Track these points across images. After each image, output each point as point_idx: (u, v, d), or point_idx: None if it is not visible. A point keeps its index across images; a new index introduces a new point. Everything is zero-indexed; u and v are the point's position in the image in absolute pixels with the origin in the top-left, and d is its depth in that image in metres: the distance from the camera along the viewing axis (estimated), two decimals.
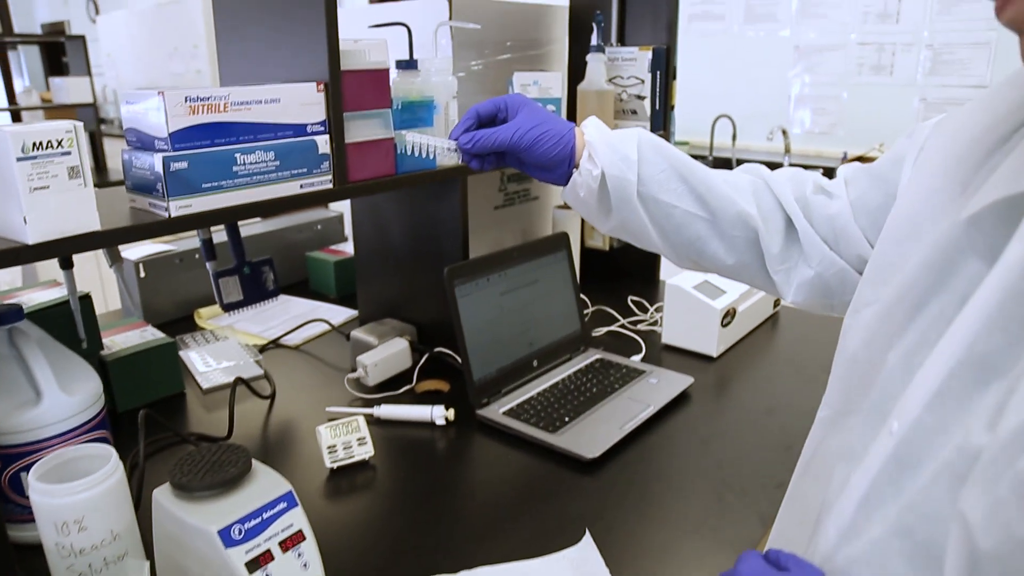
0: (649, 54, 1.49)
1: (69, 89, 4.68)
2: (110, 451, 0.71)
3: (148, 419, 0.92)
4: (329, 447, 0.94)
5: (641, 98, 1.52)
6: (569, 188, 0.80)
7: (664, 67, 1.53)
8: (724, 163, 3.28)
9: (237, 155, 0.83)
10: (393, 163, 0.99)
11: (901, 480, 0.41)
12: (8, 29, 7.34)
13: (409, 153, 0.89)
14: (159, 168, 0.75)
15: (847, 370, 0.55)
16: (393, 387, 1.16)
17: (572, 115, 1.61)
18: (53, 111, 4.96)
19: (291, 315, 1.48)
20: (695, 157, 3.37)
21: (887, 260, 0.53)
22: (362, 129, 0.95)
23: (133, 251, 1.43)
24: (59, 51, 5.53)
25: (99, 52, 5.95)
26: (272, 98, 0.86)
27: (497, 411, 1.04)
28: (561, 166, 0.79)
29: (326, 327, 1.39)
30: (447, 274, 1.03)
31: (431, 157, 0.88)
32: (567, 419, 1.02)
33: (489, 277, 1.09)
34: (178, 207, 0.77)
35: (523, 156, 0.80)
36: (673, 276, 1.31)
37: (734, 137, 3.17)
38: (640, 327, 1.40)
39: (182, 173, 0.76)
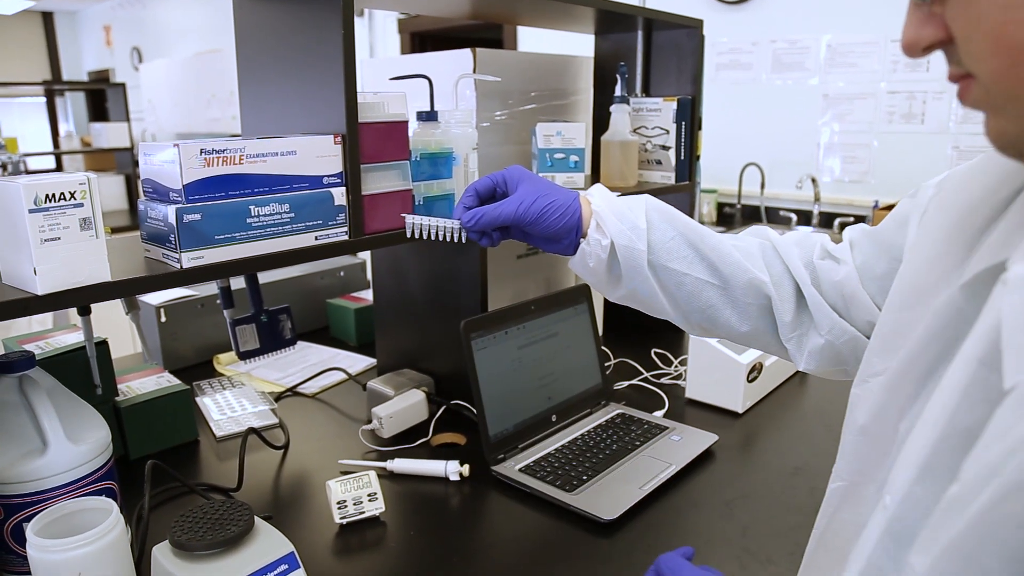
0: (674, 104, 1.49)
1: (108, 134, 4.84)
2: (111, 505, 0.70)
3: (155, 469, 0.91)
4: (339, 502, 0.92)
5: (666, 148, 1.52)
6: (577, 258, 0.79)
7: (689, 117, 1.52)
8: (753, 211, 3.25)
9: (251, 207, 0.83)
10: (411, 211, 0.99)
11: (898, 556, 0.40)
12: (57, 76, 7.69)
13: (410, 236, 0.88)
14: (172, 219, 0.75)
15: (858, 442, 0.54)
16: (409, 440, 1.14)
17: (596, 166, 1.61)
18: (92, 155, 5.13)
19: (309, 363, 1.48)
20: (723, 205, 3.37)
21: (893, 328, 0.52)
22: (379, 181, 0.95)
23: (154, 296, 1.44)
24: (102, 98, 5.75)
25: (141, 98, 6.17)
26: (288, 150, 0.86)
27: (513, 468, 1.01)
28: (568, 236, 0.78)
29: (343, 376, 1.38)
30: (464, 327, 1.01)
31: (436, 238, 0.86)
32: (585, 477, 0.99)
33: (507, 330, 1.07)
34: (190, 259, 0.77)
35: (528, 229, 0.79)
36: None
37: (763, 185, 3.15)
38: (664, 381, 1.37)
39: (195, 225, 0.76)
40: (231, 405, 1.26)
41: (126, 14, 6.94)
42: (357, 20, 4.58)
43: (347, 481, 0.94)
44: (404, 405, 1.14)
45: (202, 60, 5.49)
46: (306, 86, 0.94)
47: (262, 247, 0.85)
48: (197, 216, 0.76)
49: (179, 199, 0.76)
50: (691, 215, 1.60)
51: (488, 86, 1.51)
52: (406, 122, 0.97)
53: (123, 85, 5.13)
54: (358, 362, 1.47)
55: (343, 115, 0.90)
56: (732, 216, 3.31)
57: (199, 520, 0.71)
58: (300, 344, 1.57)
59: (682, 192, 1.56)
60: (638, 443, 1.09)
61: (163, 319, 1.42)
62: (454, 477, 1.01)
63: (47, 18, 7.65)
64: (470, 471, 1.03)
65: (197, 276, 0.78)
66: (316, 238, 0.90)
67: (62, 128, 6.70)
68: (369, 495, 0.93)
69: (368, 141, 0.93)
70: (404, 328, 1.28)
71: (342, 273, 1.74)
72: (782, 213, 3.17)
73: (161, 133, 6.02)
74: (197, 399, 1.29)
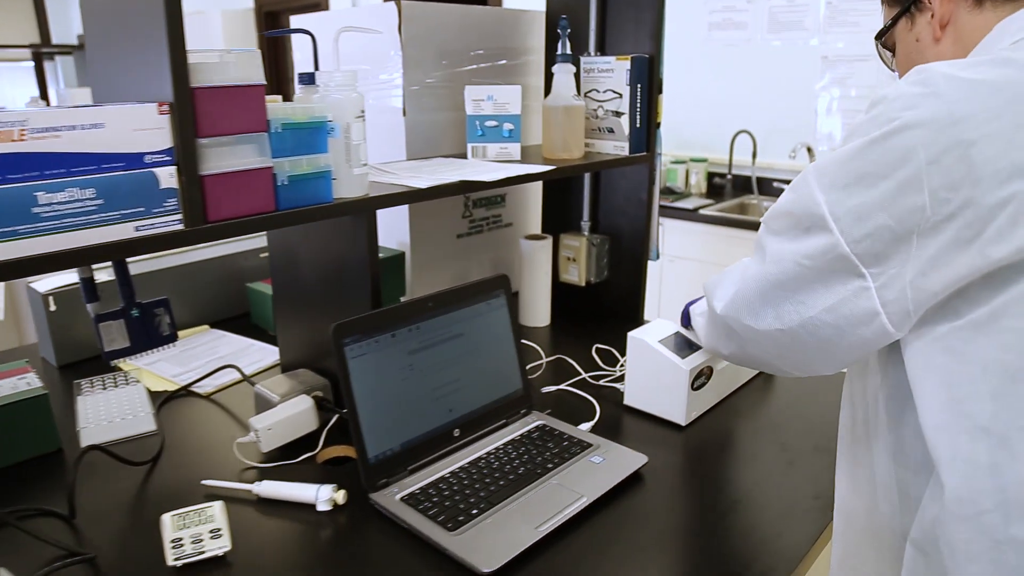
0: (627, 64, 1.30)
1: (86, 98, 4.66)
2: None
3: None
4: (173, 540, 0.77)
5: (619, 115, 1.33)
6: None
7: (647, 79, 1.33)
8: (744, 182, 3.04)
9: (39, 193, 0.67)
10: (272, 196, 0.83)
11: None
12: (46, 40, 7.47)
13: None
14: None
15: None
16: (294, 453, 0.99)
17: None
18: None
19: (219, 355, 1.33)
20: (714, 175, 3.15)
21: None
22: (226, 157, 0.78)
23: (44, 283, 1.29)
24: None
25: None
26: (94, 123, 0.70)
27: (394, 496, 0.86)
28: None
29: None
30: (334, 332, 0.85)
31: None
32: (476, 511, 0.83)
33: (394, 333, 0.91)
34: None
35: None
36: (651, 323, 1.11)
37: (754, 154, 2.94)
38: (602, 383, 1.21)
39: None
40: (108, 409, 1.11)
41: None
42: None
43: (187, 515, 0.79)
44: (288, 414, 0.99)
45: (192, 21, 5.28)
46: (131, 45, 0.77)
47: (59, 242, 0.69)
48: None
49: None
50: (650, 192, 1.42)
51: (419, 45, 1.33)
52: (261, 86, 0.80)
53: None
54: (270, 356, 1.32)
55: (168, 78, 0.73)
56: (722, 187, 3.11)
57: None
58: (214, 333, 1.43)
59: (638, 164, 1.38)
60: (551, 465, 0.93)
61: (52, 308, 1.27)
62: (323, 507, 0.86)
63: None
64: (348, 498, 0.88)
65: None
66: (136, 229, 0.73)
67: (52, 93, 6.51)
68: (212, 531, 0.78)
69: (207, 110, 0.76)
70: (301, 322, 1.13)
71: (264, 255, 1.58)
72: (775, 184, 2.97)
73: None
74: (78, 399, 1.14)
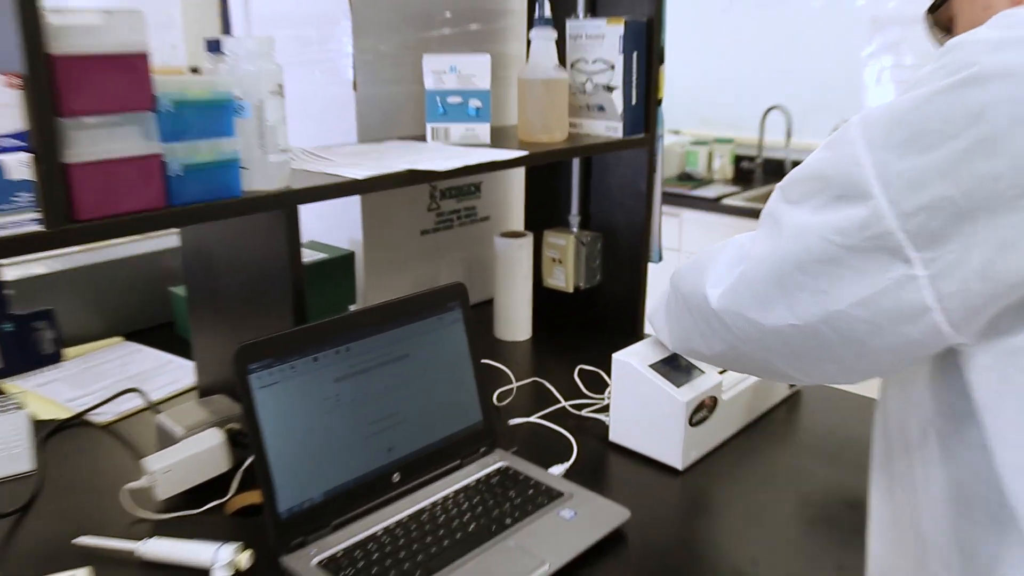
0: (620, 29, 1.24)
1: None
2: None
3: None
4: None
5: (610, 89, 1.28)
6: None
7: (644, 47, 1.28)
8: (776, 166, 2.98)
9: None
10: (162, 190, 0.78)
11: None
12: None
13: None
14: None
15: None
16: (199, 500, 0.94)
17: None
18: None
19: (129, 373, 1.28)
20: (741, 159, 3.13)
21: None
22: (99, 142, 0.73)
23: None
24: None
25: None
26: None
27: (310, 560, 0.81)
28: None
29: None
30: (236, 357, 0.80)
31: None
32: None
33: (316, 357, 0.86)
34: None
35: None
36: (645, 340, 1.06)
37: (789, 134, 2.88)
38: (585, 414, 1.15)
39: None
40: None
41: None
42: None
43: None
44: (191, 452, 0.94)
45: None
46: None
47: None
48: None
49: None
50: (650, 180, 1.37)
51: (374, 5, 1.27)
52: (143, 55, 0.74)
53: None
54: (191, 376, 1.27)
55: (17, 43, 0.67)
56: (751, 172, 3.06)
57: None
58: (128, 346, 1.38)
59: (635, 149, 1.33)
60: (510, 520, 0.88)
61: None
62: (221, 573, 0.81)
63: None
64: (257, 559, 0.83)
65: None
66: None
67: None
68: None
69: (72, 83, 0.71)
70: (220, 338, 1.08)
71: None
72: None
73: None
74: None
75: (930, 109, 0.53)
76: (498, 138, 1.25)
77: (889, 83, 2.69)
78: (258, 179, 0.85)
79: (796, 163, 2.69)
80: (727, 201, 2.70)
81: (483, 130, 1.20)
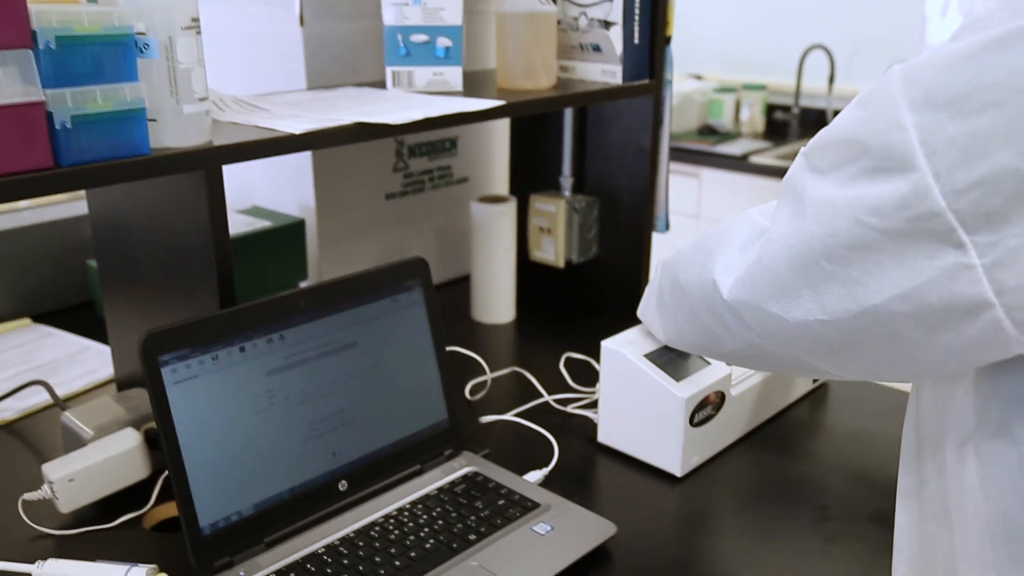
0: None
1: None
2: None
3: None
4: None
5: (607, 25, 1.25)
6: None
7: None
8: (817, 117, 2.95)
9: None
10: (46, 146, 0.75)
11: None
12: None
13: None
14: None
15: None
16: (114, 513, 0.93)
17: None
18: None
19: (37, 362, 1.28)
20: (774, 108, 3.11)
21: None
22: None
23: None
24: None
25: None
26: None
27: None
28: None
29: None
30: (144, 346, 0.78)
31: None
32: None
33: (244, 346, 0.84)
34: None
35: None
36: (641, 325, 1.05)
37: (832, 78, 2.85)
38: (571, 410, 1.14)
39: None
40: None
41: None
42: None
43: None
44: (101, 458, 0.93)
45: None
46: None
47: None
48: None
49: None
50: (656, 136, 1.35)
51: None
52: None
53: None
54: (110, 366, 1.26)
55: None
56: (786, 125, 3.03)
57: None
58: (37, 330, 1.38)
59: (637, 97, 1.31)
60: (474, 536, 0.87)
61: None
62: None
63: None
64: None
65: None
66: None
67: None
68: None
69: None
70: (137, 322, 1.07)
71: None
72: None
73: None
74: None
75: (990, 59, 0.49)
76: (472, 85, 1.23)
77: (958, 16, 2.66)
78: (170, 134, 0.82)
79: (838, 112, 2.64)
80: (755, 159, 2.68)
81: (454, 75, 1.17)
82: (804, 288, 0.60)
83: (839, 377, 0.69)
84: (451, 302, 1.49)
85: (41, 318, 1.42)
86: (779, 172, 2.60)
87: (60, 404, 1.10)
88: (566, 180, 1.44)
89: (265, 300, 0.87)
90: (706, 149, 2.76)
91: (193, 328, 0.82)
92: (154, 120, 0.82)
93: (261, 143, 0.88)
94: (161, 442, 0.79)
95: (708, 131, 2.94)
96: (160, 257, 0.98)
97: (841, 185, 0.57)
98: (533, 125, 1.48)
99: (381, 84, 1.24)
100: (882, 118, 0.54)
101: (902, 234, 0.53)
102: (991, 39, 0.49)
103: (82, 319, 1.42)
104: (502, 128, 1.57)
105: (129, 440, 0.95)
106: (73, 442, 0.98)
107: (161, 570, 0.82)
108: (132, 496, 0.95)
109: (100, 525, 0.92)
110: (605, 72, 1.28)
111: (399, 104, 1.07)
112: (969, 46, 0.50)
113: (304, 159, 1.33)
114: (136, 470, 0.96)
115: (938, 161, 0.50)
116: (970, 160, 0.49)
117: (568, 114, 1.42)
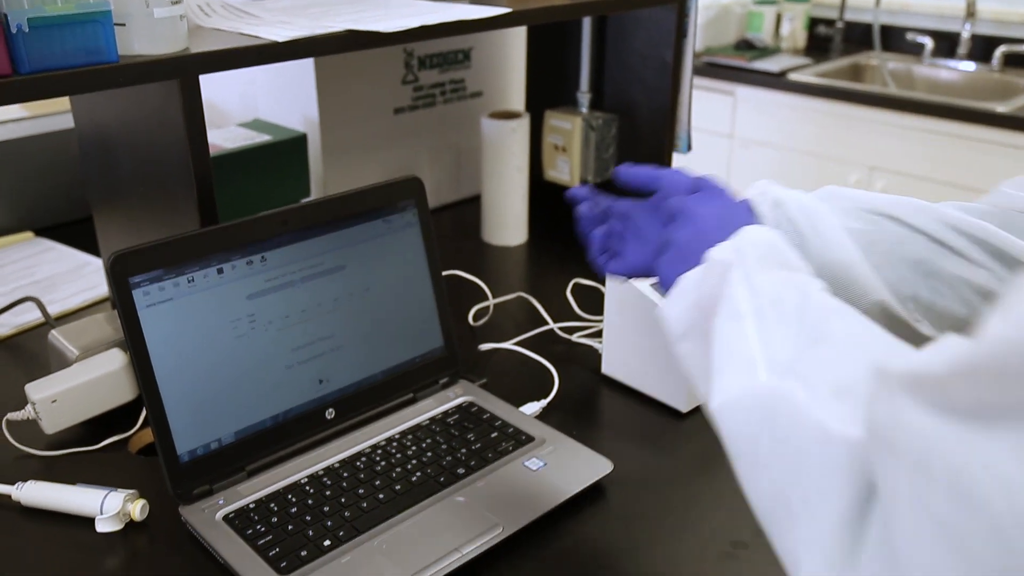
0: None
1: None
2: None
3: None
4: None
5: None
6: None
7: None
8: (863, 32, 2.81)
9: None
10: (4, 52, 0.71)
11: None
12: None
13: None
14: None
15: None
16: (100, 434, 0.92)
17: None
18: None
19: (35, 277, 1.26)
20: (817, 22, 3.08)
21: None
22: None
23: None
24: None
25: None
26: None
27: (214, 512, 0.78)
28: None
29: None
30: (112, 267, 0.75)
31: None
32: (328, 543, 0.75)
33: (222, 267, 0.81)
34: None
35: None
36: None
37: None
38: (576, 338, 1.10)
39: None
40: None
41: None
42: None
43: None
44: (84, 379, 0.91)
45: None
46: None
47: None
48: None
49: None
50: (678, 48, 1.27)
51: None
52: None
53: None
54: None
55: None
56: (828, 40, 2.89)
57: None
58: (39, 243, 1.36)
59: (660, 6, 1.23)
60: (463, 470, 0.84)
61: None
62: (106, 526, 0.78)
63: None
64: (154, 510, 0.81)
65: None
66: None
67: None
68: None
69: None
70: (124, 237, 1.04)
71: None
72: (909, 37, 2.74)
73: None
74: None
75: None
76: None
77: None
78: (141, 40, 0.77)
79: (887, 29, 2.51)
80: (794, 76, 2.56)
81: None
82: None
83: None
84: (461, 223, 1.45)
85: (43, 232, 1.40)
86: (818, 90, 2.48)
87: (50, 322, 1.08)
88: (583, 96, 1.37)
89: (245, 220, 0.83)
90: (742, 65, 2.65)
91: (166, 248, 0.78)
92: (122, 24, 0.77)
93: (239, 51, 0.82)
94: (133, 366, 0.77)
95: (746, 46, 2.81)
96: (143, 172, 0.94)
97: None
98: (551, 37, 1.41)
99: None
100: None
101: None
102: None
103: (85, 233, 1.39)
104: (519, 39, 1.50)
105: (115, 361, 0.93)
106: (59, 362, 0.96)
107: (141, 496, 0.81)
108: (121, 418, 0.94)
109: (85, 447, 0.91)
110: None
111: (400, 11, 1.01)
112: None
113: (307, 70, 1.28)
114: (122, 392, 0.93)
115: None
116: None
117: (587, 24, 1.34)
